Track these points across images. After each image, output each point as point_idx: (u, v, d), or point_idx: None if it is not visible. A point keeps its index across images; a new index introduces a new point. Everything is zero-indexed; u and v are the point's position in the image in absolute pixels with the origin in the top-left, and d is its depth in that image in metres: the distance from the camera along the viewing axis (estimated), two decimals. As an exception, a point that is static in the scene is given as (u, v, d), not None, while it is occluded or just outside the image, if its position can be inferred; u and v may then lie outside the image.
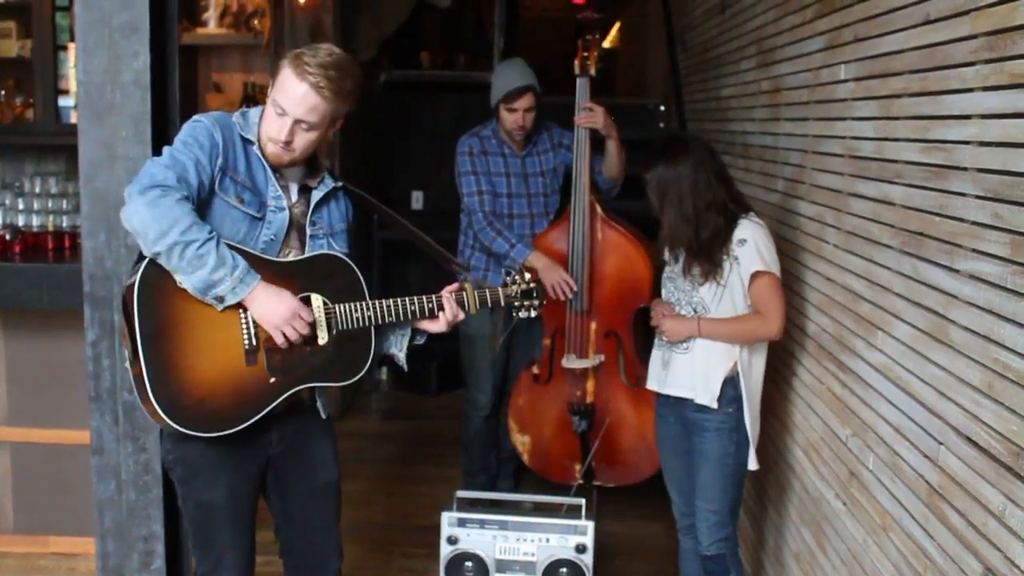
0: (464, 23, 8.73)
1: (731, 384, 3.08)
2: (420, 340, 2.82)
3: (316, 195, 2.67)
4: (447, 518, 3.60)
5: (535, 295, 2.89)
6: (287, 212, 2.60)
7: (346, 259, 2.65)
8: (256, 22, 5.39)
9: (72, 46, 5.01)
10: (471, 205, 4.22)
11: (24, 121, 5.25)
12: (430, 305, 2.70)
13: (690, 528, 3.30)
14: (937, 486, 2.17)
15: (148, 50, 2.78)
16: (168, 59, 2.92)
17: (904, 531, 2.35)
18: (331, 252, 2.65)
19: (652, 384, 3.29)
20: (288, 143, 2.51)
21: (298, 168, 2.66)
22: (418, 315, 2.69)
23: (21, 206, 4.47)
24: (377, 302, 2.62)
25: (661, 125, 6.80)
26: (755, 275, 3.01)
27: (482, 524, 3.59)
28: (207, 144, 2.49)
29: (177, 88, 2.95)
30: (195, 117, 2.58)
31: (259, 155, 2.58)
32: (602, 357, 4.07)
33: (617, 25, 10.76)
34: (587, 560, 3.55)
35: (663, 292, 3.28)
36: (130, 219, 2.37)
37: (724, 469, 3.10)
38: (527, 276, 2.90)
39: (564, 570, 3.55)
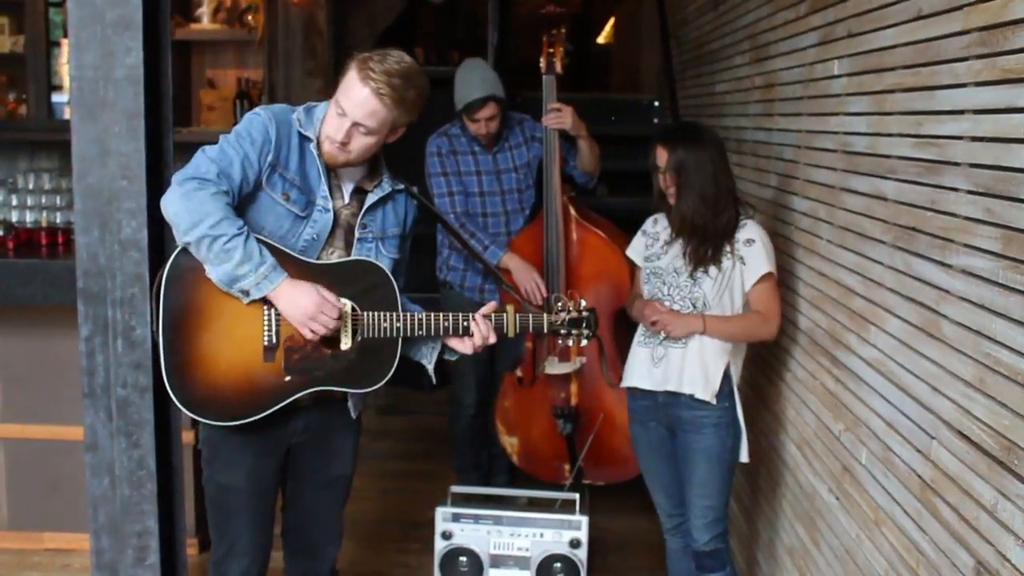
0: (457, 19, 8.74)
1: (726, 378, 3.08)
2: (451, 357, 2.79)
3: (371, 198, 2.67)
4: (441, 513, 3.60)
5: (585, 325, 2.80)
6: (331, 214, 2.60)
7: (382, 267, 2.62)
8: (250, 18, 5.38)
9: (65, 42, 5.01)
10: (442, 207, 4.15)
11: (17, 117, 5.25)
12: (465, 323, 2.65)
13: (677, 528, 3.30)
14: (929, 480, 2.18)
15: (141, 46, 2.77)
16: (161, 55, 2.90)
17: (897, 525, 2.35)
18: (368, 259, 2.63)
19: (637, 381, 3.21)
20: (344, 144, 2.52)
21: (356, 169, 2.66)
22: (450, 332, 2.66)
23: (15, 202, 4.46)
24: (408, 315, 2.60)
25: (655, 121, 6.80)
26: (762, 277, 3.04)
27: (476, 519, 3.59)
28: (259, 139, 2.52)
29: (170, 84, 2.94)
30: (256, 109, 2.62)
31: (315, 153, 2.58)
32: (584, 359, 4.05)
33: (611, 21, 10.76)
34: (581, 555, 3.56)
35: (645, 288, 3.22)
36: (166, 208, 2.47)
37: (723, 464, 3.10)
38: (581, 303, 2.81)
39: (558, 565, 3.56)
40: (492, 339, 2.68)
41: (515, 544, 3.57)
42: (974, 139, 2.00)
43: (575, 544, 3.55)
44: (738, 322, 3.08)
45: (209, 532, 2.78)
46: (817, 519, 2.97)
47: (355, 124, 2.50)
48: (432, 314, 2.64)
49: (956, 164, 2.07)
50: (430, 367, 2.77)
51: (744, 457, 3.14)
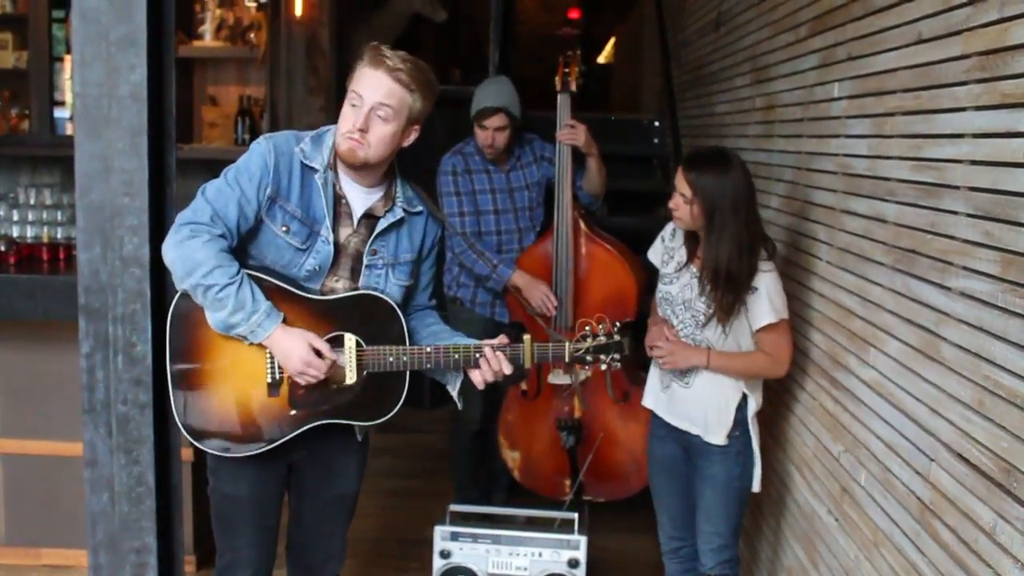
0: (459, 38, 8.77)
1: (740, 409, 3.01)
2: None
3: (382, 224, 2.63)
4: (440, 532, 3.60)
5: (613, 350, 2.70)
6: (331, 247, 2.57)
7: (388, 300, 2.60)
8: (252, 35, 5.39)
9: (68, 58, 5.03)
10: (451, 226, 4.16)
11: (19, 132, 5.26)
12: (477, 355, 2.59)
13: (676, 552, 3.27)
14: (928, 502, 2.18)
15: (145, 63, 2.78)
16: (165, 72, 2.91)
17: (895, 547, 2.35)
18: (373, 292, 2.61)
19: (651, 404, 3.20)
20: (363, 133, 2.46)
21: (367, 192, 2.62)
22: (460, 365, 2.61)
23: (16, 217, 4.47)
24: (415, 349, 2.57)
25: (655, 141, 6.83)
26: (769, 324, 2.91)
27: (475, 538, 3.59)
28: (258, 173, 2.51)
29: (174, 101, 2.95)
30: (259, 138, 2.59)
31: (319, 184, 2.55)
32: (588, 373, 4.06)
33: (612, 41, 10.81)
34: (580, 574, 3.55)
35: (658, 311, 3.17)
36: (164, 255, 2.51)
37: (730, 492, 3.04)
38: (608, 327, 2.70)
39: (557, 584, 3.55)
40: (507, 370, 2.61)
41: (513, 563, 3.56)
42: (973, 163, 2.01)
43: (574, 564, 3.54)
44: (745, 361, 2.99)
45: (215, 543, 2.80)
46: (816, 540, 2.97)
47: (372, 109, 2.47)
48: (441, 348, 2.59)
49: (956, 187, 2.08)
50: (454, 393, 2.72)
51: (756, 487, 3.07)
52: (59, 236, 4.35)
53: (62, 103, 5.20)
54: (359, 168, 2.55)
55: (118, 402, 2.88)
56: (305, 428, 2.57)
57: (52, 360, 3.88)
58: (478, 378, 2.63)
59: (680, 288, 3.04)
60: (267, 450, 2.57)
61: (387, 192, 2.66)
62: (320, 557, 2.87)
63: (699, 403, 3.02)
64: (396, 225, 2.66)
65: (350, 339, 2.56)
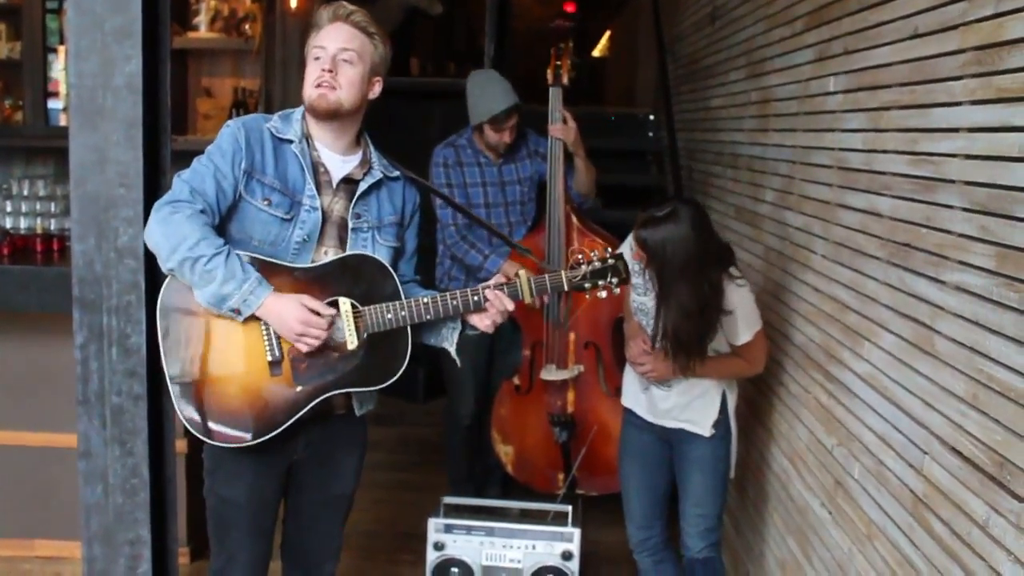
0: (455, 31, 8.76)
1: (722, 402, 3.12)
2: (472, 332, 2.70)
3: (361, 186, 2.62)
4: (434, 524, 3.60)
5: (611, 274, 2.66)
6: (319, 212, 2.55)
7: (376, 257, 2.57)
8: (247, 27, 5.37)
9: (62, 48, 5.01)
10: (443, 218, 4.14)
11: (13, 123, 5.24)
12: (475, 298, 2.58)
13: (644, 543, 3.29)
14: (922, 495, 2.18)
15: (141, 54, 2.77)
16: (160, 63, 2.90)
17: (889, 540, 2.36)
18: (360, 252, 2.58)
19: (631, 403, 3.25)
20: (331, 73, 2.49)
21: (343, 159, 2.62)
22: (460, 310, 2.59)
23: (9, 208, 4.47)
24: (412, 301, 2.53)
25: (650, 135, 6.82)
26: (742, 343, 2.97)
27: (469, 530, 3.59)
28: (229, 149, 2.51)
29: (169, 92, 2.94)
30: (227, 122, 2.60)
31: (296, 153, 2.56)
32: (581, 368, 4.07)
33: (607, 35, 10.80)
34: (573, 567, 3.56)
35: (634, 318, 3.19)
36: (147, 238, 2.49)
37: (717, 474, 3.11)
38: (601, 253, 2.66)
39: (550, 577, 3.56)
40: (511, 307, 2.60)
41: (507, 556, 3.56)
42: (969, 157, 2.01)
43: (567, 556, 3.55)
44: (723, 367, 3.05)
45: (209, 542, 2.76)
46: (809, 533, 2.98)
47: (335, 56, 2.50)
48: (438, 295, 2.57)
49: (951, 182, 2.09)
50: (452, 349, 2.69)
51: (731, 473, 3.16)
52: (52, 228, 4.35)
53: (55, 94, 5.18)
54: (332, 118, 2.54)
55: (112, 393, 2.88)
56: (315, 403, 2.51)
57: (46, 351, 3.87)
58: (486, 322, 2.62)
59: (654, 299, 3.00)
60: (271, 445, 2.52)
61: (363, 158, 2.66)
62: (317, 556, 2.86)
63: (680, 402, 3.11)
64: (376, 187, 2.66)
65: (345, 302, 2.51)
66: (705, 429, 3.07)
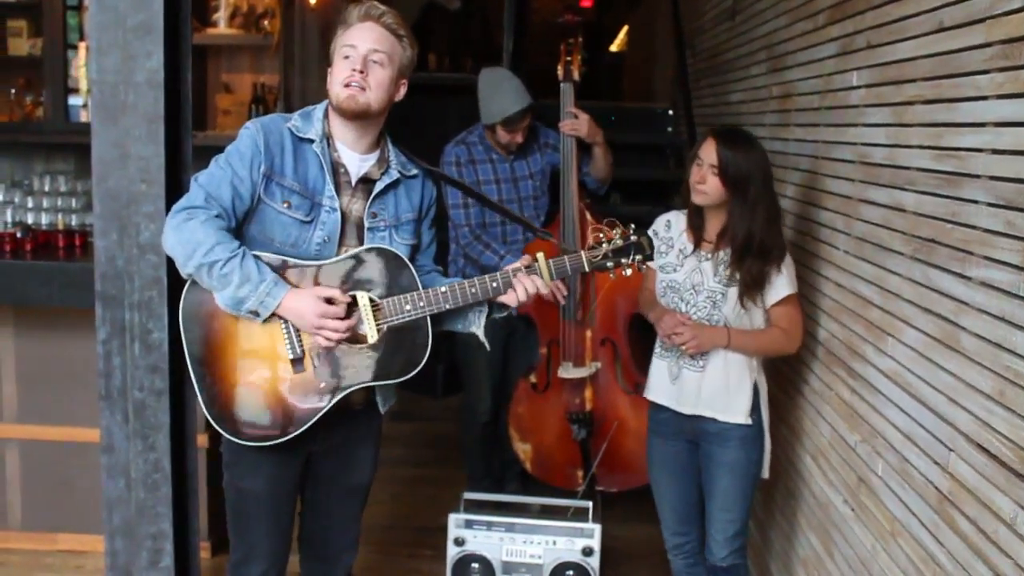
0: (471, 26, 8.74)
1: (755, 393, 3.02)
2: (500, 314, 2.69)
3: (378, 186, 2.62)
4: (454, 520, 3.60)
5: (634, 251, 2.61)
6: (339, 213, 2.56)
7: (391, 248, 2.56)
8: (266, 23, 5.39)
9: (82, 45, 5.03)
10: (456, 218, 4.13)
11: (34, 120, 5.27)
12: (494, 285, 2.55)
13: (680, 548, 3.23)
14: (947, 493, 2.17)
15: (162, 50, 2.79)
16: (181, 59, 2.92)
17: (913, 537, 2.35)
18: (378, 245, 2.57)
19: (658, 397, 3.14)
20: (362, 74, 2.48)
21: (362, 159, 2.62)
22: (479, 297, 2.56)
23: (31, 204, 4.49)
24: (431, 291, 2.52)
25: (669, 129, 6.81)
26: (785, 297, 2.95)
27: (489, 526, 3.59)
28: (248, 152, 2.51)
29: (190, 88, 2.95)
30: (247, 123, 2.60)
31: (317, 154, 2.56)
32: (598, 365, 4.07)
33: (625, 29, 10.77)
34: (594, 563, 3.55)
35: (662, 302, 3.10)
36: (164, 244, 2.50)
37: (747, 478, 3.03)
38: (623, 231, 2.61)
39: (571, 573, 3.55)
40: (543, 288, 2.56)
41: (527, 551, 3.56)
42: (995, 151, 2.00)
43: (588, 552, 3.55)
44: (763, 337, 2.99)
45: (228, 535, 2.78)
46: (832, 530, 2.96)
47: (366, 56, 2.49)
48: (456, 284, 2.55)
49: (976, 176, 2.07)
50: (480, 332, 2.67)
51: (765, 472, 3.09)
52: (73, 223, 4.36)
53: (76, 90, 5.20)
54: (359, 118, 2.54)
55: (134, 389, 2.89)
56: (338, 398, 2.52)
57: (68, 347, 3.89)
58: (512, 299, 2.58)
59: (687, 274, 3.02)
60: (288, 441, 2.53)
61: (381, 157, 2.66)
62: (335, 548, 2.87)
63: (714, 385, 2.99)
64: (393, 186, 2.65)
65: (363, 296, 2.51)
66: (738, 416, 2.98)
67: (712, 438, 3.04)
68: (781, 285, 2.93)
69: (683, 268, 3.04)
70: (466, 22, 8.27)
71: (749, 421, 2.99)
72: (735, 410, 2.99)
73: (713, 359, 2.99)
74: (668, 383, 3.10)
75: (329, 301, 2.46)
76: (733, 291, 2.94)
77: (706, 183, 2.90)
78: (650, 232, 3.07)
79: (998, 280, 1.96)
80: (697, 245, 3.03)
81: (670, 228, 3.14)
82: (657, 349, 3.17)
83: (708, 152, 2.90)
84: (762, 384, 3.06)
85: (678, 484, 3.17)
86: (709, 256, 2.99)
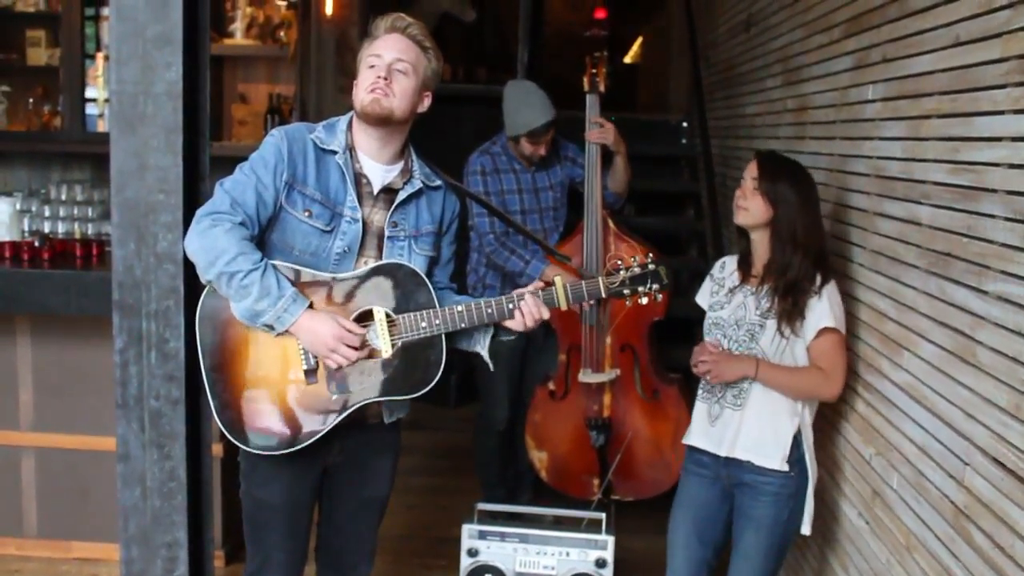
0: (486, 37, 8.78)
1: (795, 443, 2.84)
2: (506, 337, 2.69)
3: (400, 195, 2.63)
4: (468, 530, 3.60)
5: (650, 280, 2.63)
6: (359, 224, 2.57)
7: (410, 265, 2.57)
8: (282, 34, 5.42)
9: (100, 55, 5.07)
10: (482, 227, 4.15)
11: (51, 129, 5.30)
12: (509, 306, 2.57)
13: None
14: (963, 506, 2.17)
15: (181, 61, 2.80)
16: (200, 70, 2.93)
17: (929, 551, 2.34)
18: (393, 261, 2.59)
19: (696, 441, 2.99)
20: (386, 83, 2.50)
21: (385, 170, 2.63)
22: (495, 318, 2.58)
23: (48, 213, 4.51)
24: (446, 309, 2.54)
25: (683, 141, 6.81)
26: (823, 330, 2.78)
27: (503, 537, 3.59)
28: (272, 160, 2.52)
29: (208, 99, 2.97)
30: (271, 131, 2.62)
31: (340, 165, 2.57)
32: (618, 371, 4.07)
33: (639, 41, 10.78)
34: (607, 574, 3.55)
35: (707, 339, 2.99)
36: (187, 248, 2.51)
37: (773, 538, 2.85)
38: (641, 259, 2.64)
39: (583, 584, 3.55)
40: (546, 315, 2.58)
41: (541, 562, 3.56)
42: (1012, 166, 2.00)
43: (601, 564, 3.54)
44: (795, 374, 2.82)
45: (244, 545, 2.79)
46: (846, 543, 2.96)
47: (391, 65, 2.52)
48: (472, 303, 2.56)
49: (993, 191, 2.07)
50: (485, 353, 2.69)
51: (806, 529, 2.87)
52: (90, 232, 4.39)
53: (93, 100, 5.24)
54: (382, 124, 2.55)
55: (151, 397, 2.90)
56: (350, 411, 2.53)
57: (85, 355, 3.91)
58: (518, 324, 2.59)
59: (732, 310, 2.94)
60: (306, 450, 2.54)
61: (404, 167, 2.67)
62: (351, 559, 2.87)
63: (753, 424, 2.84)
64: (415, 197, 2.66)
65: (379, 311, 2.52)
66: (773, 460, 2.80)
67: (746, 490, 2.87)
68: (821, 312, 2.78)
69: (729, 305, 2.96)
70: (480, 33, 8.30)
71: (786, 468, 2.80)
72: (771, 454, 2.81)
73: (753, 397, 2.85)
74: (707, 425, 2.96)
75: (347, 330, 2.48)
76: (772, 323, 2.83)
77: (747, 199, 2.86)
78: (706, 279, 3.10)
79: (1015, 294, 1.96)
80: (744, 280, 2.96)
81: (724, 268, 3.08)
82: (700, 392, 3.04)
83: (751, 170, 2.88)
84: (807, 434, 2.87)
85: (696, 529, 3.02)
86: (754, 291, 2.91)
